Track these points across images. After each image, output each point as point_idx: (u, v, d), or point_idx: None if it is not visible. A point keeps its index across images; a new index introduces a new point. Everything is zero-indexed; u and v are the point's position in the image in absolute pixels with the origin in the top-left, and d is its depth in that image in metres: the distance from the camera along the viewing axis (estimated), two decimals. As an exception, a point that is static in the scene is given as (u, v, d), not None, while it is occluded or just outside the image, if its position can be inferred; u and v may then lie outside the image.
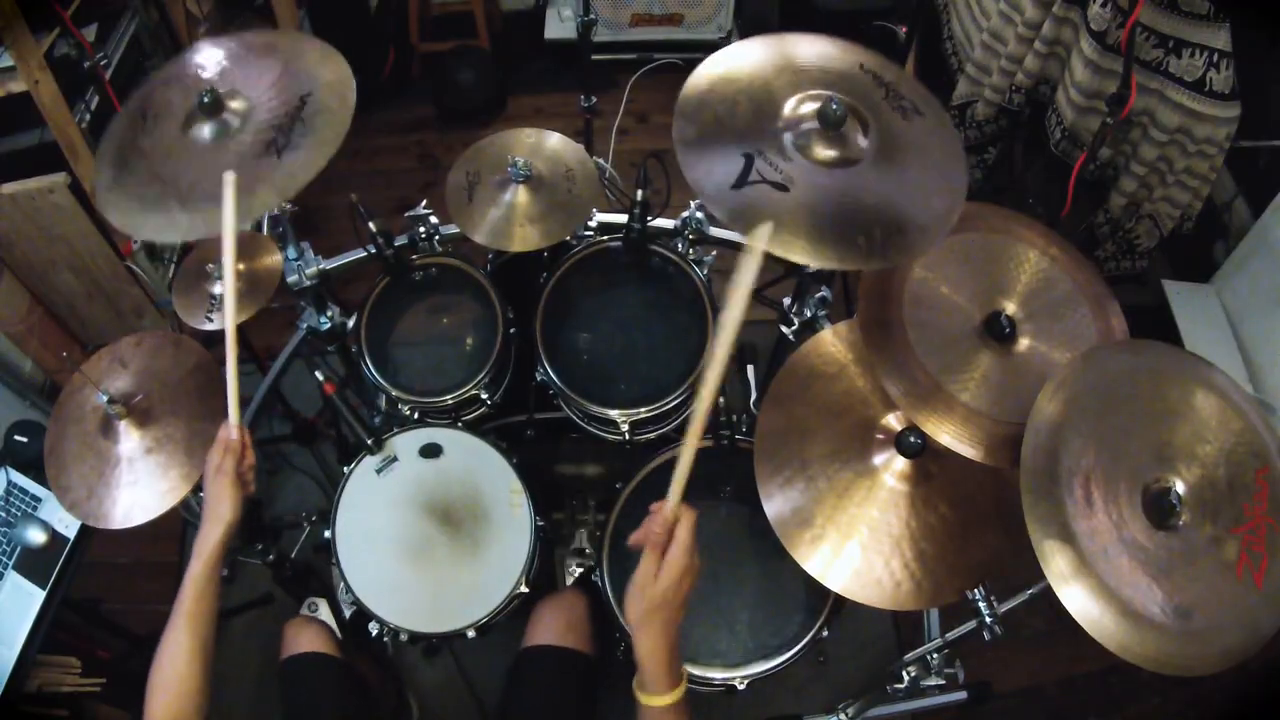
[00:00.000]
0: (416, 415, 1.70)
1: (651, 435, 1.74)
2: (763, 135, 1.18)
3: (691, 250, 1.78)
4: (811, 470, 1.31)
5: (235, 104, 1.30)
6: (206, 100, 1.26)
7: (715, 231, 1.77)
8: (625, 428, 1.65)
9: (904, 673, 1.45)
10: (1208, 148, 1.96)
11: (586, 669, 1.54)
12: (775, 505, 1.30)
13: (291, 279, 1.61)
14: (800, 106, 1.20)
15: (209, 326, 1.78)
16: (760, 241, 0.96)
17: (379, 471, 1.61)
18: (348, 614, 1.75)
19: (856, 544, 1.26)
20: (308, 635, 1.57)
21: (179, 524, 2.39)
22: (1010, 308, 1.25)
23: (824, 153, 1.16)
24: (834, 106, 1.13)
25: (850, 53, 1.27)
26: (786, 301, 1.69)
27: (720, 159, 1.16)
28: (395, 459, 1.62)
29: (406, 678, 2.09)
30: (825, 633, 1.50)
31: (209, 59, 1.38)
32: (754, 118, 1.20)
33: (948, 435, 1.17)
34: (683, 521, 0.97)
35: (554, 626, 1.55)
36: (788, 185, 1.13)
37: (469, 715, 2.03)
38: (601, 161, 1.99)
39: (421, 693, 2.10)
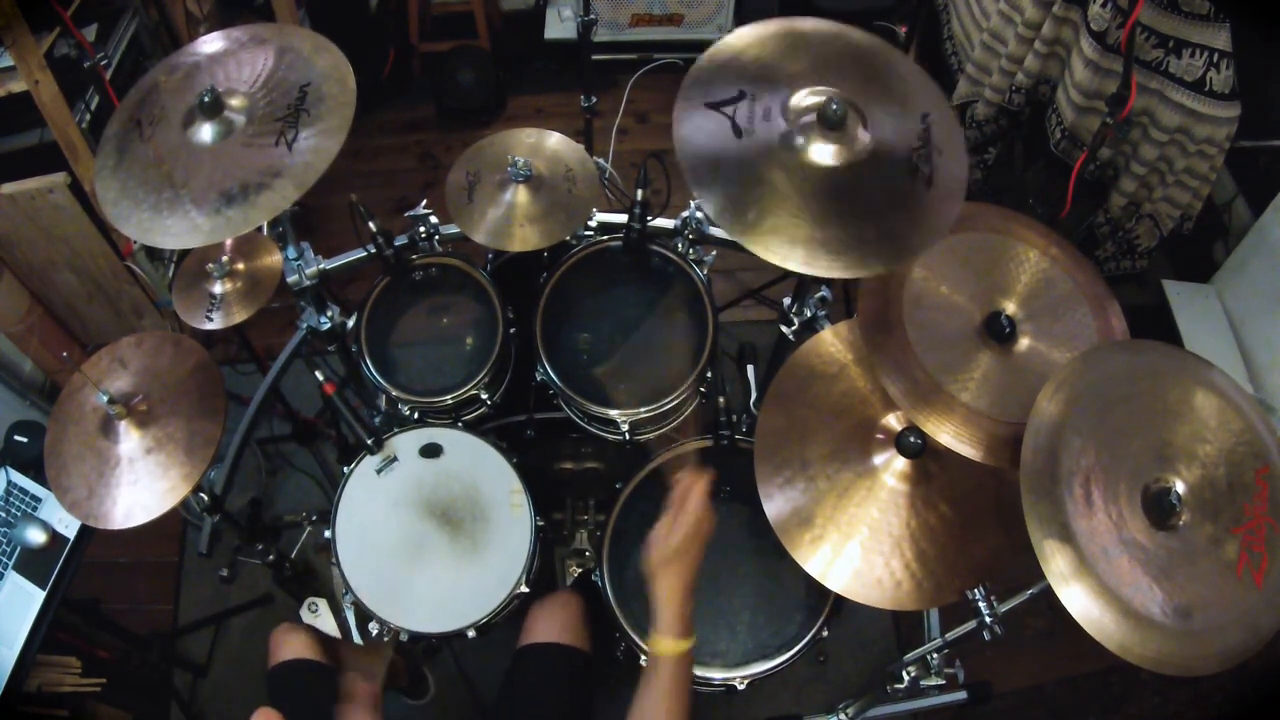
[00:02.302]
0: (416, 415, 1.70)
1: (651, 435, 1.74)
2: (768, 91, 1.20)
3: (691, 250, 1.78)
4: (811, 470, 1.31)
5: (234, 101, 1.30)
6: (207, 100, 1.26)
7: (715, 231, 1.77)
8: (625, 428, 1.65)
9: (904, 673, 1.45)
10: (1208, 148, 1.96)
11: (583, 666, 1.54)
12: (775, 505, 1.30)
13: (291, 279, 1.61)
14: (808, 98, 1.20)
15: (209, 326, 1.78)
16: None
17: (379, 471, 1.61)
18: (348, 614, 1.74)
19: (856, 544, 1.26)
20: (293, 643, 1.56)
21: (179, 524, 2.39)
22: (1010, 308, 1.25)
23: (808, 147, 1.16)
24: (834, 107, 1.13)
25: (926, 92, 1.22)
26: (786, 301, 1.69)
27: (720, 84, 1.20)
28: (395, 459, 1.62)
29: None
30: (825, 633, 1.51)
31: (199, 58, 1.38)
32: (772, 78, 1.21)
33: (948, 435, 1.17)
34: (696, 485, 1.12)
35: (550, 625, 1.55)
36: (744, 134, 1.16)
37: (469, 715, 2.03)
38: (601, 161, 1.99)
39: (439, 690, 2.10)
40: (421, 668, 2.06)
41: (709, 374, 1.68)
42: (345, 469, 1.62)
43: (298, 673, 1.53)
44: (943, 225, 1.15)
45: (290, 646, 1.56)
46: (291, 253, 1.58)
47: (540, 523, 1.58)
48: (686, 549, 1.10)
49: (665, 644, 1.08)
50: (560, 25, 3.35)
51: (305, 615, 1.77)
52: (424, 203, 1.79)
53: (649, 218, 1.71)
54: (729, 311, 2.55)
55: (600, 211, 1.80)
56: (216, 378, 1.42)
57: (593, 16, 2.08)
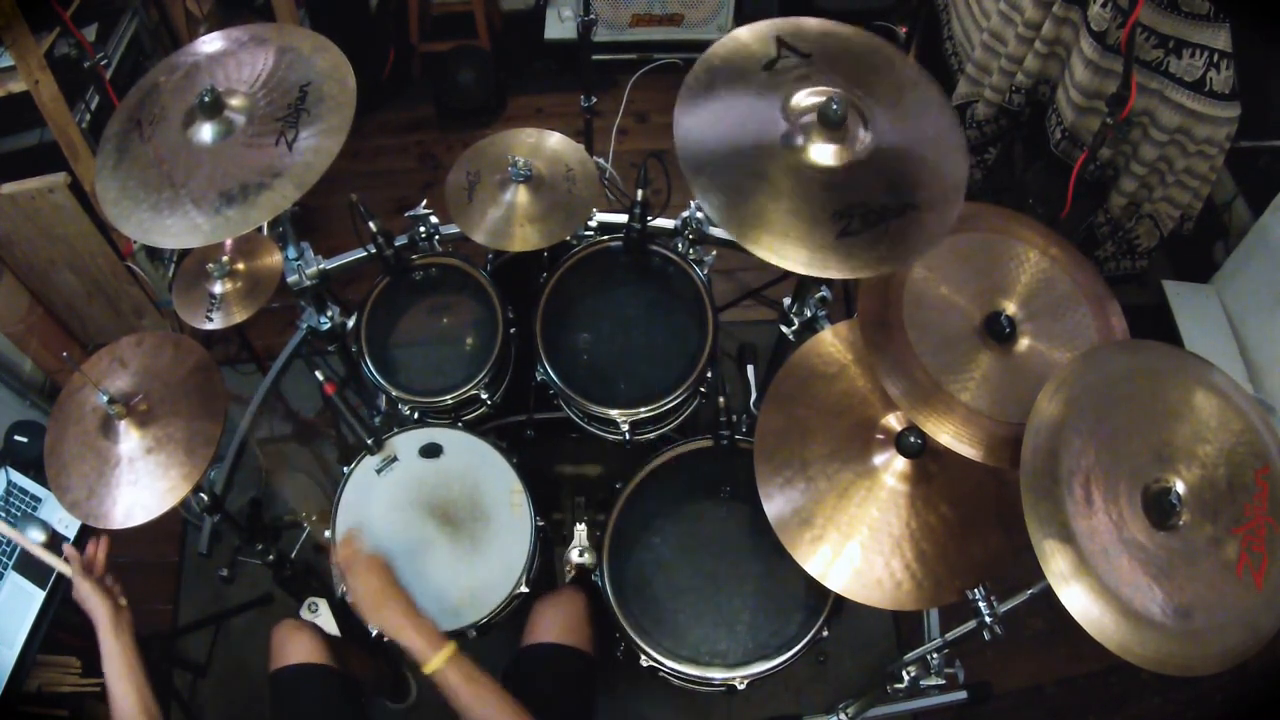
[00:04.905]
0: (416, 415, 1.70)
1: (651, 435, 1.74)
2: (824, 71, 1.25)
3: (691, 250, 1.78)
4: (811, 470, 1.31)
5: (235, 101, 1.30)
6: (207, 100, 1.26)
7: (715, 231, 1.77)
8: (625, 428, 1.65)
9: (904, 673, 1.45)
10: (1208, 148, 1.96)
11: (586, 668, 1.53)
12: (775, 505, 1.30)
13: (291, 279, 1.61)
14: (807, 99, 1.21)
15: (209, 326, 1.78)
16: None
17: (379, 471, 1.61)
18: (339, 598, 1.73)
19: (857, 544, 1.26)
20: (297, 644, 1.54)
21: (179, 524, 2.39)
22: (1010, 308, 1.25)
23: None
24: (834, 106, 1.13)
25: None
26: (786, 301, 1.69)
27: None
28: (395, 459, 1.62)
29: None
30: (825, 633, 1.50)
31: (199, 58, 1.38)
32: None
33: (948, 435, 1.17)
34: (341, 549, 1.32)
35: (554, 625, 1.54)
36: (771, 70, 1.22)
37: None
38: (601, 161, 1.99)
39: (421, 692, 2.10)
40: (403, 670, 2.05)
41: (709, 374, 1.68)
42: (345, 469, 1.62)
43: (302, 677, 1.51)
44: (942, 229, 1.15)
45: (294, 648, 1.54)
46: (291, 253, 1.59)
47: (540, 523, 1.58)
48: (370, 594, 1.23)
49: (434, 664, 1.19)
50: (560, 25, 3.35)
51: (305, 615, 1.76)
52: (424, 203, 1.79)
53: (649, 218, 1.71)
54: (729, 311, 2.55)
55: (600, 211, 1.80)
56: (216, 378, 1.42)
57: (593, 16, 2.08)
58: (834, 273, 1.12)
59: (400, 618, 1.22)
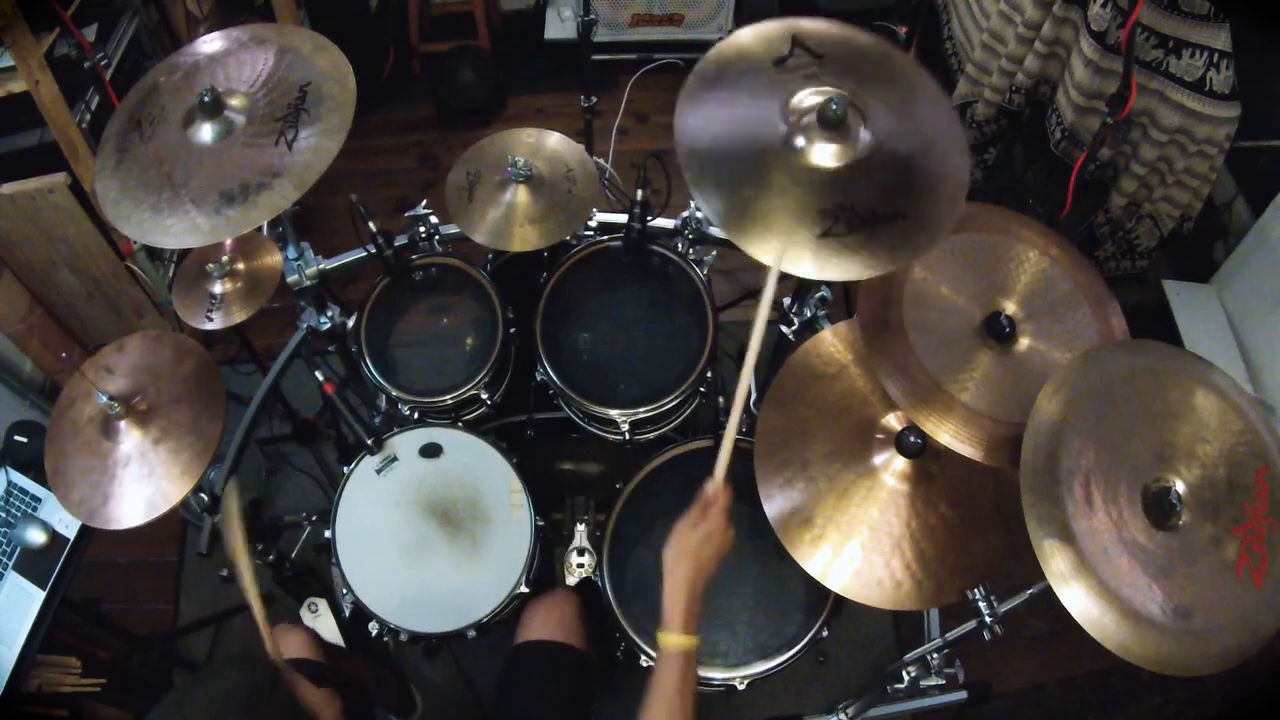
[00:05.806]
0: (416, 415, 1.70)
1: (651, 435, 1.74)
2: (833, 73, 1.23)
3: (691, 250, 1.78)
4: (811, 470, 1.31)
5: (234, 101, 1.30)
6: (207, 100, 1.26)
7: (715, 231, 1.77)
8: (625, 427, 1.65)
9: (904, 673, 1.45)
10: (1208, 148, 1.96)
11: (579, 664, 1.53)
12: (775, 505, 1.30)
13: (291, 279, 1.61)
14: (806, 99, 1.20)
15: (209, 326, 1.78)
16: (775, 260, 1.08)
17: (379, 471, 1.61)
18: (348, 613, 1.74)
19: (857, 544, 1.26)
20: (289, 643, 1.55)
21: (179, 524, 2.39)
22: (1010, 308, 1.25)
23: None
24: (834, 106, 1.13)
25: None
26: (786, 301, 1.69)
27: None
28: (395, 459, 1.62)
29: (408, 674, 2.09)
30: (825, 633, 1.51)
31: (199, 58, 1.38)
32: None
33: (948, 435, 1.17)
34: (722, 494, 1.15)
35: (545, 623, 1.54)
36: (782, 69, 1.20)
37: (469, 715, 2.03)
38: (601, 161, 2.00)
39: (422, 692, 2.10)
40: (409, 685, 2.05)
41: (709, 374, 1.68)
42: (345, 469, 1.62)
43: (306, 671, 1.52)
44: (943, 228, 1.15)
45: (289, 645, 1.55)
46: (291, 253, 1.59)
47: (540, 523, 1.58)
48: (700, 552, 1.12)
49: (668, 639, 1.09)
50: (560, 25, 3.35)
51: (305, 615, 1.77)
52: (424, 203, 1.79)
53: (649, 218, 1.71)
54: (729, 311, 2.54)
55: (600, 211, 1.80)
56: (216, 378, 1.42)
57: (593, 16, 2.08)
58: (813, 273, 1.10)
59: (688, 582, 1.11)
